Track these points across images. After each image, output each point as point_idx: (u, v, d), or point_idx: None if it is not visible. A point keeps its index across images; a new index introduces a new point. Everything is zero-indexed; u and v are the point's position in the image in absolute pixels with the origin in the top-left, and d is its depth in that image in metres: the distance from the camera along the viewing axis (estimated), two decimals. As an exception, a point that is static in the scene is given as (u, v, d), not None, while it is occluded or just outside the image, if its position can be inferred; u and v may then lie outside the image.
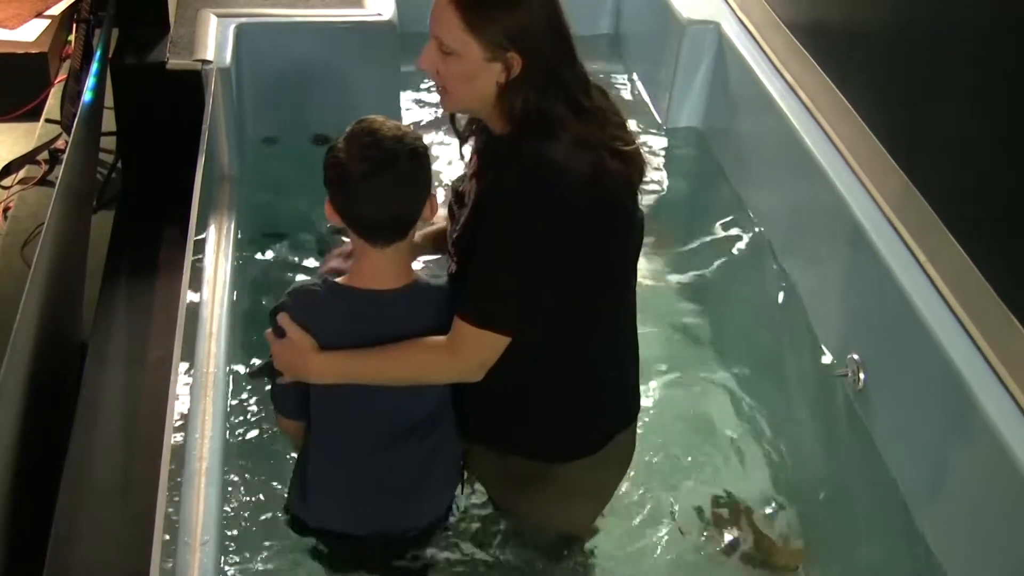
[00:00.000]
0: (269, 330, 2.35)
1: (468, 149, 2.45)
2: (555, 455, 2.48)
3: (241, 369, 3.24)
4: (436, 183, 2.64)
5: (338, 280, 2.34)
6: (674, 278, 4.00)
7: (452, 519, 2.68)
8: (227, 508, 2.68)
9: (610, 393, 2.53)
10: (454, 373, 2.30)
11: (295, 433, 2.49)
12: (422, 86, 4.84)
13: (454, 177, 2.47)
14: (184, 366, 2.80)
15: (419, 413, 2.41)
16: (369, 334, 2.28)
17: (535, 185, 2.14)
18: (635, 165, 2.27)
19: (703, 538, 3.05)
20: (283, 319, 2.29)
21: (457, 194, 2.38)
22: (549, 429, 2.46)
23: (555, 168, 2.13)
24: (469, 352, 2.24)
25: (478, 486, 2.70)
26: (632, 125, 4.75)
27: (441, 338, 2.26)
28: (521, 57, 2.13)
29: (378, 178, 2.17)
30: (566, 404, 2.44)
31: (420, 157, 2.21)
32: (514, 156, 2.16)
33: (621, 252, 2.34)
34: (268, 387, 2.50)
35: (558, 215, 2.14)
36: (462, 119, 2.46)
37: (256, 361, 2.78)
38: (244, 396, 3.17)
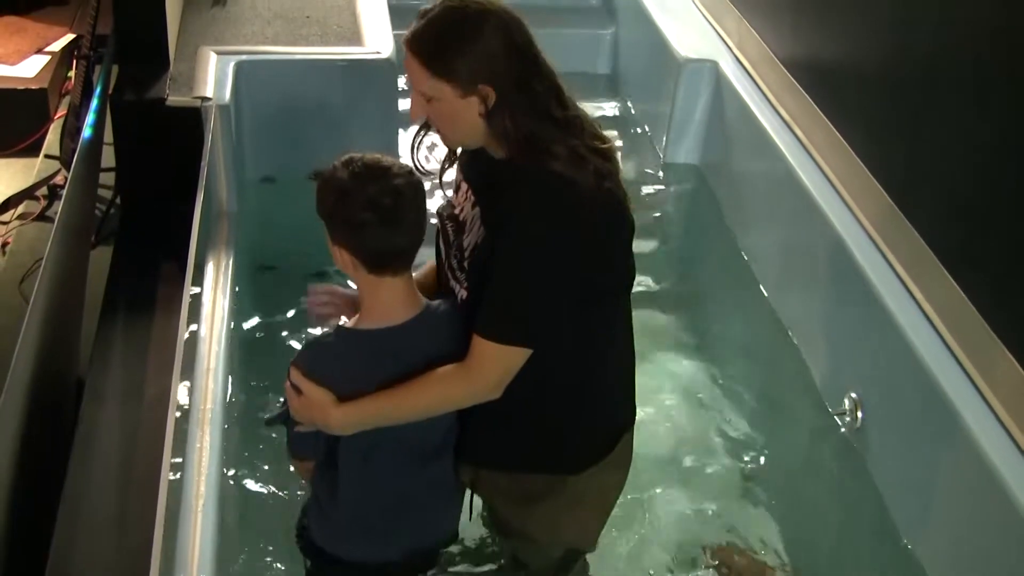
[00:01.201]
0: (288, 383, 2.34)
1: (448, 178, 2.51)
2: (570, 466, 2.50)
3: (238, 405, 3.24)
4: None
5: (349, 326, 2.34)
6: (670, 315, 4.00)
7: (457, 545, 2.69)
8: (223, 544, 2.67)
9: (616, 397, 2.56)
10: (475, 395, 2.32)
11: (308, 470, 2.50)
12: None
13: (440, 205, 2.50)
14: (182, 402, 2.80)
15: (438, 434, 2.43)
16: (390, 372, 2.29)
17: (551, 201, 2.19)
18: (615, 161, 2.34)
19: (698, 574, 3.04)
20: (296, 377, 2.29)
21: (455, 221, 2.41)
22: (564, 441, 2.48)
23: (566, 183, 2.19)
24: (490, 371, 2.27)
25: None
26: (630, 163, 4.81)
27: (453, 365, 2.28)
28: (490, 86, 2.20)
29: (403, 207, 2.21)
30: (579, 414, 2.46)
31: (417, 175, 2.28)
32: (523, 176, 2.22)
33: (625, 254, 2.39)
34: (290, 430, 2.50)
35: (575, 227, 2.20)
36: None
37: (268, 413, 2.76)
38: (241, 432, 3.17)
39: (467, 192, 2.40)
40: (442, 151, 2.49)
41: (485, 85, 2.19)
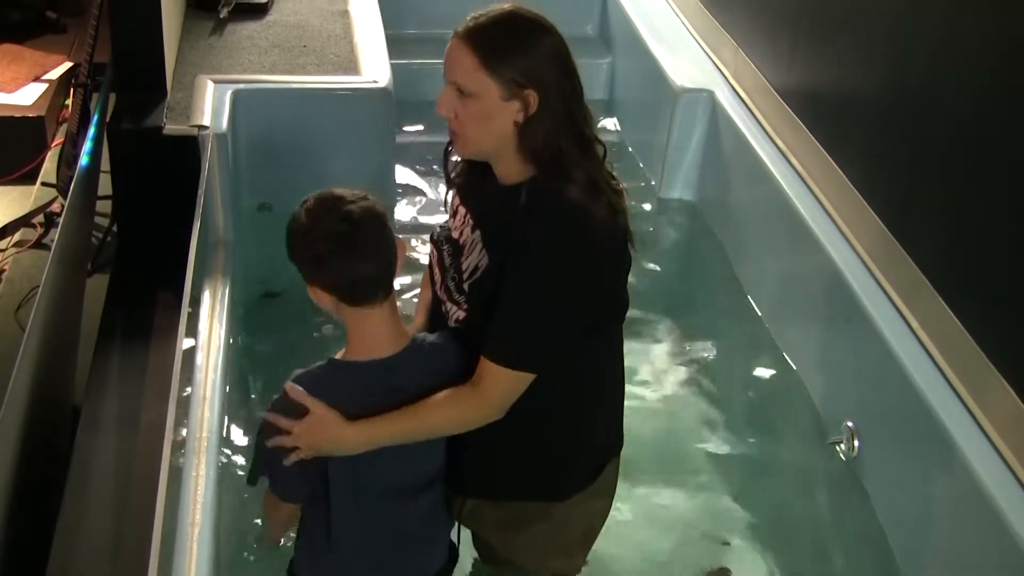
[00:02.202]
0: (269, 415, 2.29)
1: (450, 201, 2.52)
2: (558, 493, 2.51)
3: (234, 434, 3.24)
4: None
5: (337, 358, 2.34)
6: (666, 346, 4.00)
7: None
8: (219, 573, 2.66)
9: (607, 425, 2.58)
10: (483, 418, 2.32)
11: (289, 517, 2.46)
12: (416, 152, 4.87)
13: (435, 231, 2.51)
14: (177, 430, 2.79)
15: (430, 472, 2.43)
16: (379, 404, 2.28)
17: (566, 228, 2.22)
18: (624, 200, 2.37)
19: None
20: (300, 395, 2.26)
21: (452, 244, 2.42)
22: (555, 468, 2.49)
23: (581, 211, 2.21)
24: (498, 394, 2.28)
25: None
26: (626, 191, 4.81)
27: (460, 387, 2.29)
28: (538, 94, 2.22)
29: (361, 232, 2.20)
30: (572, 442, 2.48)
31: (375, 202, 2.26)
32: (538, 203, 2.23)
33: (625, 286, 2.42)
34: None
35: (586, 256, 2.23)
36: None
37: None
38: (237, 461, 3.16)
39: (466, 216, 2.41)
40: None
41: (532, 90, 2.21)
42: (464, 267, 2.35)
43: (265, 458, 2.33)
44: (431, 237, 2.49)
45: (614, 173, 2.37)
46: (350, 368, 2.31)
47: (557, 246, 2.20)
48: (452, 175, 2.48)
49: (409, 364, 2.31)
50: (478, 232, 2.34)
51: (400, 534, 2.44)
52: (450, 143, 2.39)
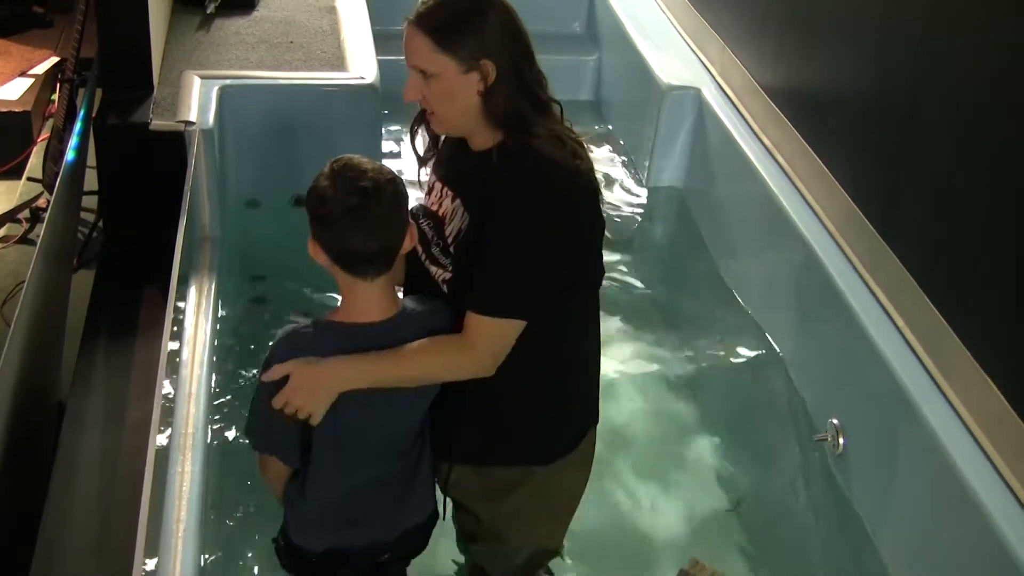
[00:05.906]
0: (262, 382, 2.34)
1: (424, 179, 2.60)
2: (540, 456, 2.56)
3: (220, 430, 3.23)
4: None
5: (327, 319, 2.36)
6: (651, 339, 4.00)
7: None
8: (204, 570, 2.66)
9: (586, 391, 2.65)
10: (470, 370, 2.38)
11: (279, 475, 2.49)
12: (403, 148, 4.87)
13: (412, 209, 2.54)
14: (163, 426, 2.79)
15: (415, 428, 2.48)
16: None
17: (536, 178, 2.31)
18: (586, 150, 2.46)
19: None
20: (273, 372, 2.29)
21: (432, 217, 2.48)
22: (538, 432, 2.56)
23: (549, 161, 2.31)
24: (484, 345, 2.34)
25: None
26: (613, 189, 4.83)
27: (448, 336, 2.35)
28: (493, 62, 2.31)
29: (368, 208, 2.24)
30: (553, 405, 2.55)
31: (399, 184, 2.33)
32: (510, 159, 2.32)
33: (600, 250, 2.49)
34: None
35: (558, 203, 2.31)
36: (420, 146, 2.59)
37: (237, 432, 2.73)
38: (223, 457, 3.16)
39: (443, 189, 2.48)
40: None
41: (487, 61, 2.30)
42: (448, 233, 2.42)
43: (255, 413, 2.38)
44: (411, 212, 2.52)
45: (572, 128, 2.46)
46: (335, 330, 2.35)
47: (528, 194, 2.29)
48: (424, 152, 2.57)
49: (396, 332, 2.35)
50: (458, 200, 2.41)
51: (377, 491, 2.47)
52: (416, 120, 2.50)
